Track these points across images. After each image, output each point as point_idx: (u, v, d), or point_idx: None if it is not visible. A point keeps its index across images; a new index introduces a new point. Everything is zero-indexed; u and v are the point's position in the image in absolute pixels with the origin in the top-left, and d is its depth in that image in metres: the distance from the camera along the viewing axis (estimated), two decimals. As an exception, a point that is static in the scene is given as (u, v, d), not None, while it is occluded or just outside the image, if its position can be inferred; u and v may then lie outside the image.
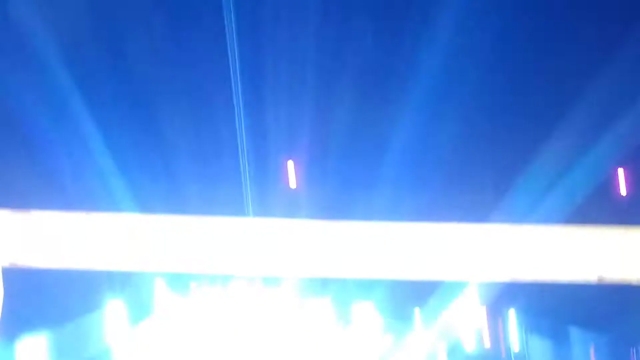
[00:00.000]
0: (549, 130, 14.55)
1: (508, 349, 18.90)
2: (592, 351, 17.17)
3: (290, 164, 15.28)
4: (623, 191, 14.64)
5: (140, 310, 17.93)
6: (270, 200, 15.08)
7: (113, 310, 17.40)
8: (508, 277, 10.76)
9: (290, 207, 14.91)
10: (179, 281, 17.54)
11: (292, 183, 15.14)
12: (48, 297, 14.87)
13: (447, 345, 18.68)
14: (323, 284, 15.86)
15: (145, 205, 13.77)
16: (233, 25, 14.44)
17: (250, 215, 14.55)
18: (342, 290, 17.46)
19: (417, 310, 18.05)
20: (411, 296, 16.84)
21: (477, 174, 14.98)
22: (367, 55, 15.01)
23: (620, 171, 14.78)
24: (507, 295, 14.96)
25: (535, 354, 18.30)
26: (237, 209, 14.82)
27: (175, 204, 14.06)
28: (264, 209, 14.75)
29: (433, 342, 18.78)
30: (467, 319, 18.10)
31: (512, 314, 16.78)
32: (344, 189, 14.78)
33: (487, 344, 18.52)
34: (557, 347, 17.35)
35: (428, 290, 16.65)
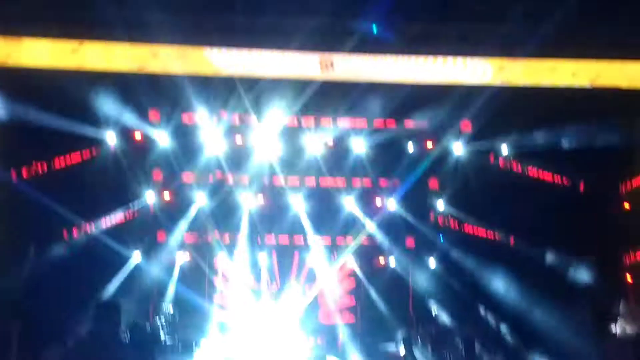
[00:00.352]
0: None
1: (497, 155, 19.18)
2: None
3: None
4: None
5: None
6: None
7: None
8: (502, 81, 11.05)
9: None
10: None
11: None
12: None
13: (436, 152, 18.90)
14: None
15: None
16: None
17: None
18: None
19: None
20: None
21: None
22: None
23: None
24: (499, 101, 15.02)
25: (524, 159, 18.53)
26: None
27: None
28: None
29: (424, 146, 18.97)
30: (458, 124, 18.19)
31: (503, 121, 16.88)
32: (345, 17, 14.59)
33: (478, 148, 18.76)
34: (546, 153, 17.52)
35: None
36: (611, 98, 14.77)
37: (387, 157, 18.88)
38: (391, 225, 20.25)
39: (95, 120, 16.90)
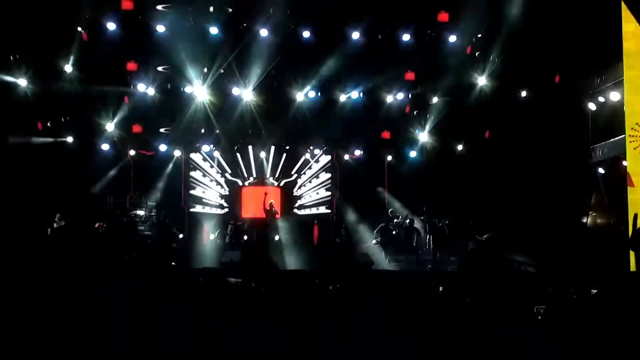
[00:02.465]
0: None
1: (474, 49, 19.06)
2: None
3: None
4: None
5: None
6: None
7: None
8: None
9: None
10: None
11: None
12: None
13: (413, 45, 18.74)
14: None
15: None
16: None
17: None
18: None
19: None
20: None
21: None
22: None
23: None
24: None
25: (501, 53, 18.45)
26: None
27: None
28: None
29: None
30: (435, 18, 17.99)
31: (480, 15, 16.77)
32: None
33: (455, 42, 18.63)
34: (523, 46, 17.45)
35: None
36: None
37: (365, 56, 18.68)
38: (364, 117, 20.29)
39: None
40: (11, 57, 16.98)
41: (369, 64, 19.07)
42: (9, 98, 17.17)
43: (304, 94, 19.81)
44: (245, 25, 17.81)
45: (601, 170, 17.46)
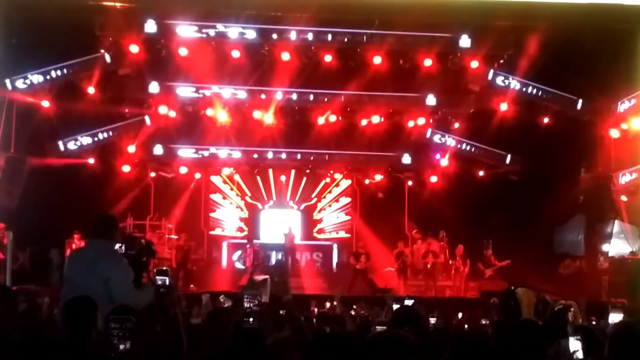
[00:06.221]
0: None
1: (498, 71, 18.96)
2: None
3: None
4: None
5: None
6: None
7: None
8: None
9: None
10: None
11: None
12: None
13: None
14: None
15: None
16: None
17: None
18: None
19: None
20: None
21: None
22: None
23: None
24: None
25: (527, 75, 18.30)
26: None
27: None
28: None
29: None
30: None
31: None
32: None
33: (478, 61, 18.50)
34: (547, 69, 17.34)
35: None
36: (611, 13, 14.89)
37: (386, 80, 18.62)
38: (385, 141, 20.24)
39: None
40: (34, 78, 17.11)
41: (390, 88, 19.03)
42: (32, 119, 17.27)
43: (325, 118, 19.75)
44: (267, 48, 17.86)
45: (624, 198, 17.29)
